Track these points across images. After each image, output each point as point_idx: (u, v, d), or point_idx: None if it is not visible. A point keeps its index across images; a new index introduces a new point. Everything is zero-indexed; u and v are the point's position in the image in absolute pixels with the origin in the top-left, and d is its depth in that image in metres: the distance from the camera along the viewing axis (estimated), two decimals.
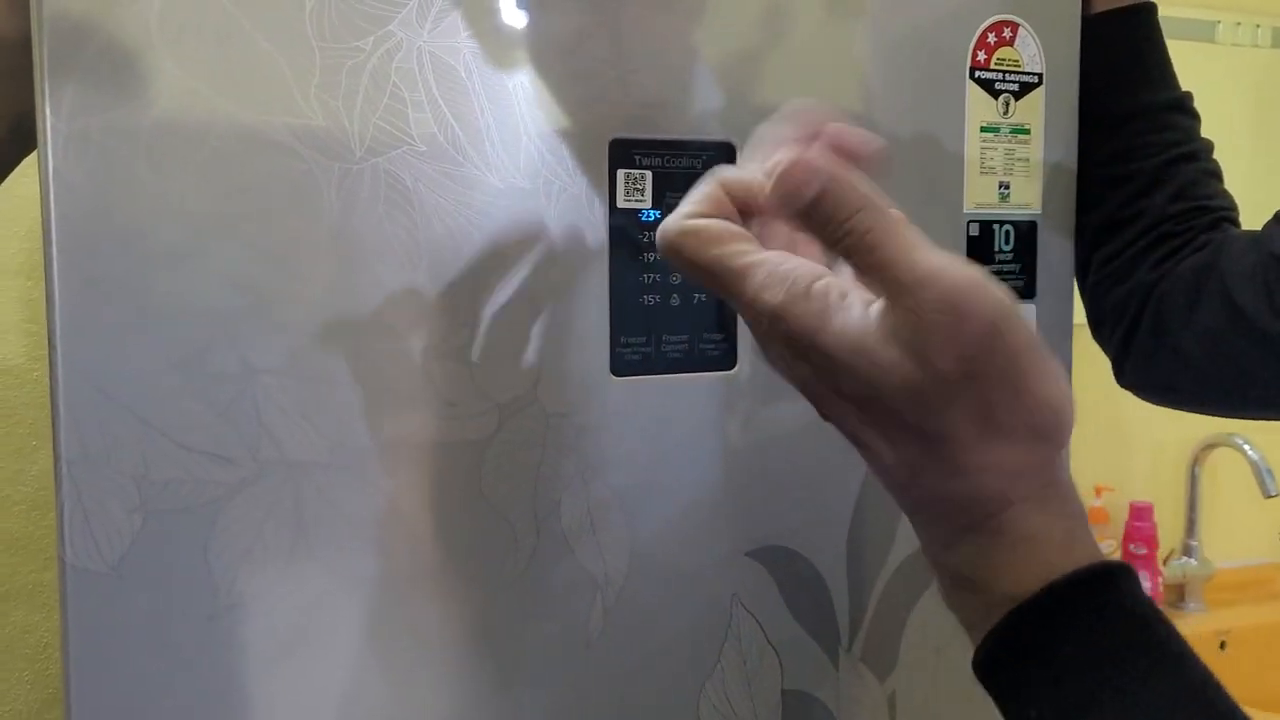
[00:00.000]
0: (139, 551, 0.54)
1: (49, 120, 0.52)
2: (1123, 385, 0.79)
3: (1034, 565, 0.39)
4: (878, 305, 0.38)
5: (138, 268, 0.54)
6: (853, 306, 0.38)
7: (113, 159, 0.53)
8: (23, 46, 0.62)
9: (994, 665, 0.40)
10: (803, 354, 0.40)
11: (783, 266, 0.40)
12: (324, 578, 0.58)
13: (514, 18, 0.60)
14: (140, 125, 0.53)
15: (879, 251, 0.38)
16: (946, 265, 0.37)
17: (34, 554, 1.10)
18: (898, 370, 0.37)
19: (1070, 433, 0.39)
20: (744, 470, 0.67)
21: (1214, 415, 0.79)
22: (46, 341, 0.54)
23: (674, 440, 0.65)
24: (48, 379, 1.07)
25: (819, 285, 0.39)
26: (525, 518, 0.62)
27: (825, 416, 0.43)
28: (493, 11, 0.59)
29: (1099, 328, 0.79)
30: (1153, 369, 0.76)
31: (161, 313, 0.54)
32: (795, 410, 0.68)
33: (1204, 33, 1.57)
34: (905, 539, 0.72)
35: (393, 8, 0.57)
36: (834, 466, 0.69)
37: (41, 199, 0.53)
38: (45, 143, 0.52)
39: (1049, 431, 0.39)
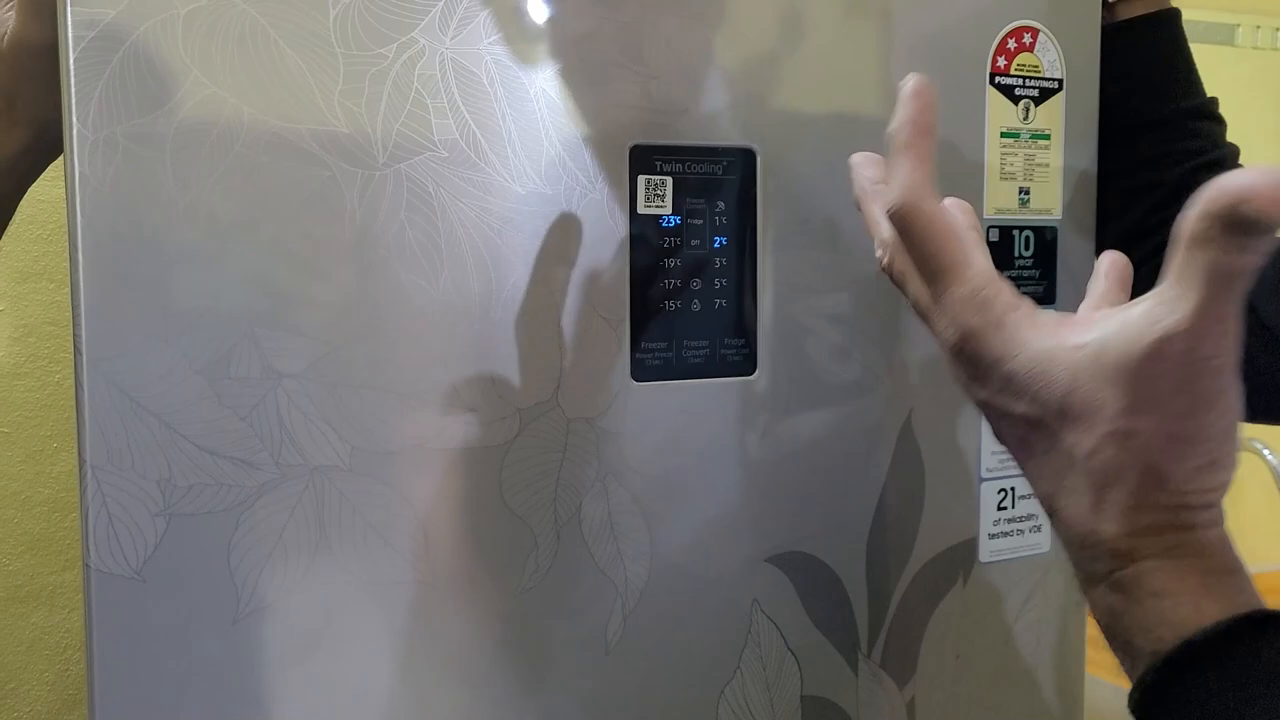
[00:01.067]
0: (162, 555, 0.55)
1: (75, 127, 0.52)
2: None
3: (1165, 621, 0.38)
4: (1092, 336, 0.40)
5: (162, 273, 0.54)
6: (1043, 327, 0.42)
7: (138, 165, 0.53)
8: (48, 52, 0.63)
9: (1144, 715, 0.39)
10: (984, 377, 0.43)
11: (985, 290, 0.43)
12: (345, 582, 0.58)
13: (536, 24, 0.60)
14: (165, 132, 0.53)
15: None
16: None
17: (55, 555, 1.11)
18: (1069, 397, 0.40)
19: (1221, 492, 0.40)
20: (764, 476, 0.67)
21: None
22: (71, 345, 0.54)
23: (694, 446, 0.65)
24: (70, 382, 1.08)
25: (1013, 317, 0.42)
26: (545, 523, 0.62)
27: (998, 437, 0.45)
28: (515, 18, 0.59)
29: None
30: None
31: (185, 318, 0.54)
32: (816, 416, 0.68)
33: (1224, 36, 1.57)
34: (925, 545, 0.72)
35: (416, 15, 0.57)
36: (855, 472, 0.69)
37: (68, 205, 0.53)
38: (71, 150, 0.52)
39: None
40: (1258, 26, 1.61)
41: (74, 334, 0.53)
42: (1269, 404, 0.73)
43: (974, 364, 0.43)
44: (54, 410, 1.10)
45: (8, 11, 0.64)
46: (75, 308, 0.53)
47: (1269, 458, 1.53)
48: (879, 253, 0.49)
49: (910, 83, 0.46)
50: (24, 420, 1.09)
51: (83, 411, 0.53)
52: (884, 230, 0.48)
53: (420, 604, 0.60)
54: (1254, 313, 0.69)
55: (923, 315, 0.46)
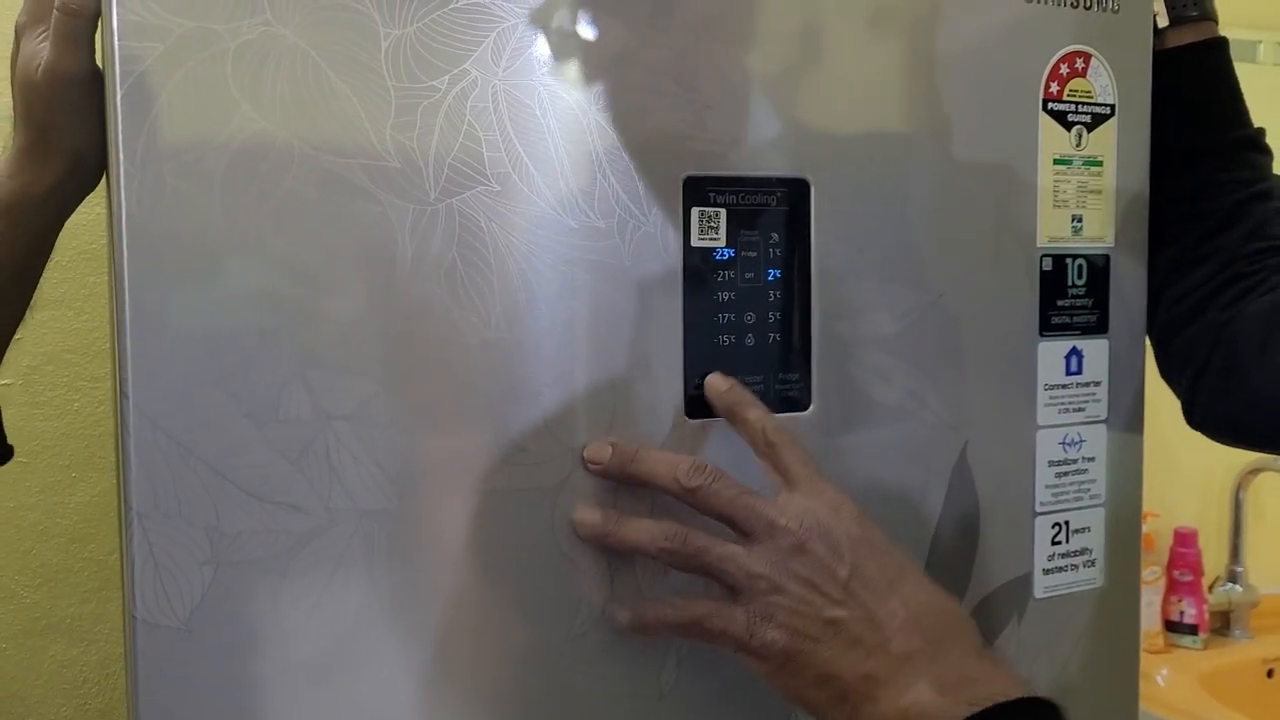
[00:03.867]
0: (210, 605, 0.53)
1: (122, 165, 0.51)
2: (1192, 425, 0.77)
3: None
4: None
5: (211, 314, 0.52)
6: None
7: (187, 204, 0.51)
8: (84, 84, 0.61)
9: None
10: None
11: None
12: (395, 629, 0.56)
13: (587, 54, 0.58)
14: (215, 169, 0.52)
15: None
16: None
17: (73, 587, 1.09)
18: None
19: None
20: None
21: None
22: (113, 385, 0.53)
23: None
24: (90, 411, 1.06)
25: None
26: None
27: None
28: (567, 48, 0.58)
29: (1168, 367, 0.78)
30: (1223, 408, 0.74)
31: (234, 359, 0.53)
32: (870, 449, 0.66)
33: (1246, 53, 1.56)
34: (981, 580, 0.70)
35: (468, 46, 0.55)
36: (910, 506, 0.68)
37: (114, 245, 0.51)
38: (119, 188, 0.51)
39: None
40: (1279, 43, 1.61)
41: (119, 378, 0.52)
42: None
43: None
44: (73, 440, 1.08)
45: (42, 43, 0.63)
46: (121, 351, 0.51)
47: None
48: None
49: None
50: (42, 450, 1.07)
51: (128, 458, 0.52)
52: None
53: (471, 650, 0.58)
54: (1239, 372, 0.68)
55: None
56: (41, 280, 0.68)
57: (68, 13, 0.60)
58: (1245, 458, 1.59)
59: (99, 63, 0.61)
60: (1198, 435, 0.79)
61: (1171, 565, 1.58)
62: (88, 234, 1.04)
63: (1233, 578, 1.62)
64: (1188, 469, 1.66)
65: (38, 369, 1.06)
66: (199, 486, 0.52)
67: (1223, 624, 1.62)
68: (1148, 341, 0.78)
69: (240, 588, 0.53)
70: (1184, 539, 1.57)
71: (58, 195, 0.64)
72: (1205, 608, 1.57)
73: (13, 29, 0.63)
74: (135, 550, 0.52)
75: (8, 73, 0.65)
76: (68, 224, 0.67)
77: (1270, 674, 1.55)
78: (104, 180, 0.63)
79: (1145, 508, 1.60)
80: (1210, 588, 1.61)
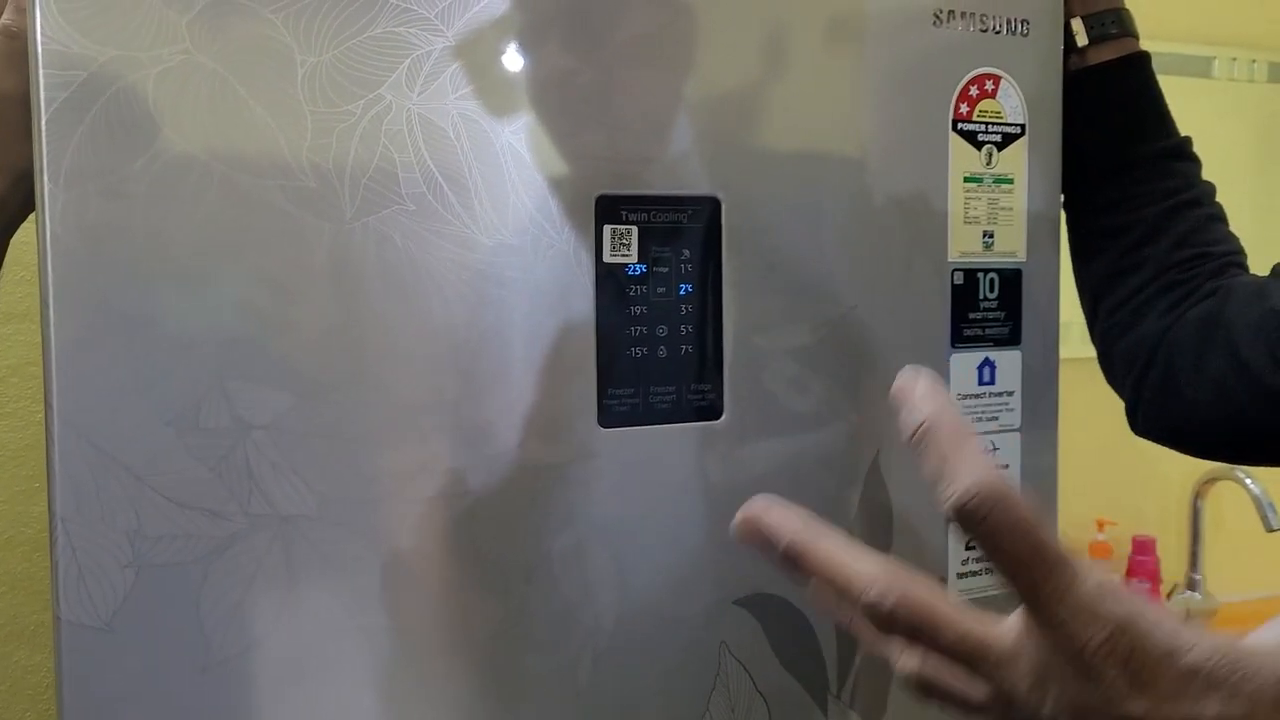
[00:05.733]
0: (132, 606, 0.55)
1: (47, 186, 0.53)
2: (1136, 431, 0.80)
3: None
4: None
5: (133, 327, 0.55)
6: None
7: (110, 222, 0.54)
8: (23, 103, 0.64)
9: None
10: (1150, 678, 0.35)
11: (1110, 578, 0.37)
12: (315, 630, 0.59)
13: (502, 77, 0.61)
14: (138, 190, 0.54)
15: None
16: None
17: (36, 595, 1.11)
18: None
19: None
20: (732, 518, 0.67)
21: (1222, 462, 0.79)
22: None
23: (663, 490, 0.65)
24: None
25: (1153, 605, 0.37)
26: (516, 568, 0.63)
27: None
28: (481, 72, 0.60)
29: (1111, 374, 0.80)
30: (1163, 416, 0.77)
31: (155, 371, 0.55)
32: (783, 458, 0.69)
33: (1200, 69, 1.59)
34: None
35: (383, 72, 0.58)
36: (822, 513, 0.69)
37: (40, 262, 0.54)
38: (44, 207, 0.53)
39: None
40: (1234, 59, 1.63)
41: (45, 386, 0.54)
42: (1259, 450, 0.73)
43: (1133, 664, 0.35)
44: (36, 450, 1.10)
45: None
46: (46, 362, 0.54)
47: (1251, 487, 1.54)
48: (873, 595, 0.40)
49: (919, 384, 0.40)
50: (6, 460, 1.09)
51: (53, 464, 0.54)
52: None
53: (392, 651, 0.60)
54: (1239, 356, 0.70)
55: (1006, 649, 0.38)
56: (6, 295, 0.70)
57: (8, 35, 0.63)
58: (1203, 466, 1.62)
59: None
60: (1155, 445, 0.81)
61: (1130, 573, 1.60)
62: None
63: (1191, 585, 1.65)
64: (1146, 477, 1.68)
65: (2, 380, 1.08)
66: (121, 492, 0.55)
67: None
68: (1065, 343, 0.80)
69: (161, 590, 0.56)
70: (1142, 547, 1.60)
71: (1, 215, 0.67)
72: None
73: None
74: (60, 553, 0.54)
75: None
76: (33, 240, 0.69)
77: None
78: None
79: (1103, 515, 1.63)
80: (1168, 595, 1.63)
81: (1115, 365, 0.80)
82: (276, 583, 0.58)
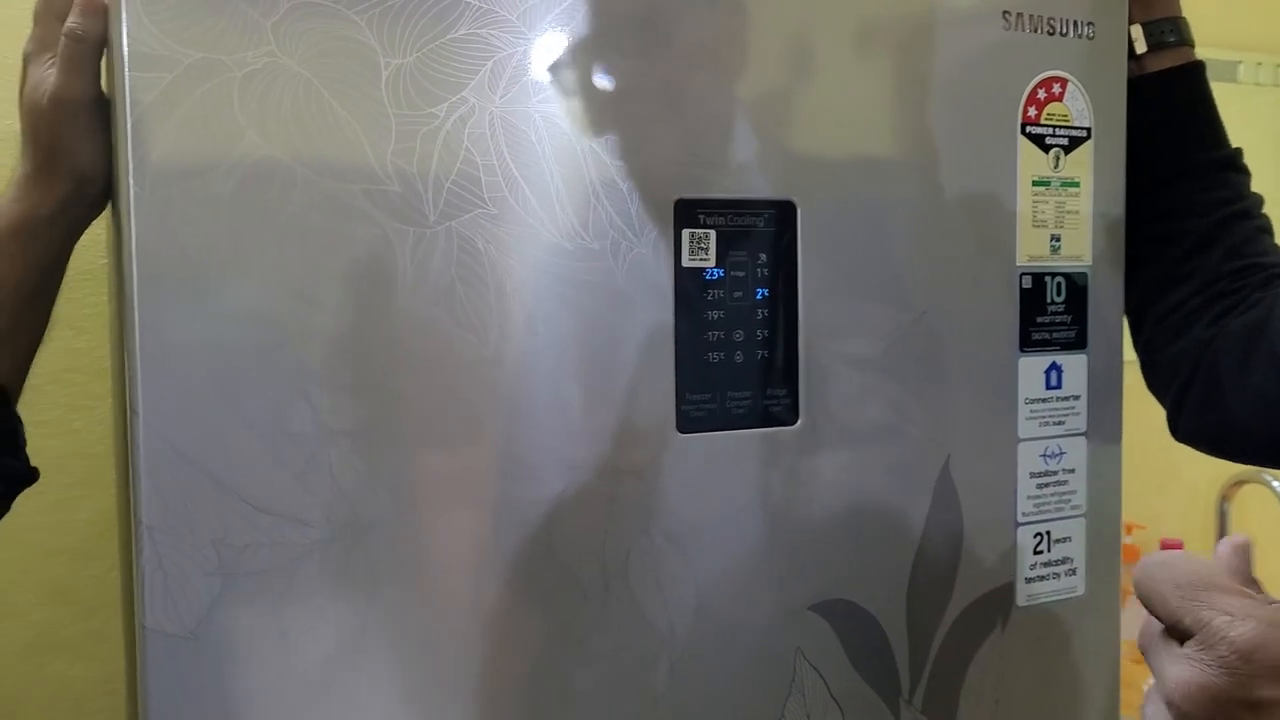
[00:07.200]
0: (216, 615, 0.55)
1: (132, 191, 0.53)
2: (1177, 438, 0.79)
3: None
4: None
5: (217, 333, 0.54)
6: None
7: (194, 227, 0.53)
8: (89, 108, 0.64)
9: None
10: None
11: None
12: (395, 637, 0.58)
13: (582, 84, 0.61)
14: (222, 194, 0.54)
15: None
16: None
17: (77, 604, 1.10)
18: None
19: None
20: (807, 523, 0.67)
21: (1265, 468, 0.79)
22: (115, 404, 0.54)
23: (739, 495, 0.65)
24: (91, 430, 1.07)
25: None
26: (593, 574, 0.62)
27: None
28: (561, 76, 0.60)
29: (1155, 381, 0.80)
30: (1207, 423, 0.76)
31: (240, 377, 0.55)
32: (856, 463, 0.68)
33: (1226, 73, 1.59)
34: (964, 589, 0.72)
35: (466, 75, 0.58)
36: (895, 518, 0.70)
37: (123, 267, 0.53)
38: (129, 212, 0.53)
39: None
40: (1259, 63, 1.64)
41: (129, 395, 0.54)
42: None
43: None
44: (75, 458, 1.09)
45: (49, 69, 0.65)
46: (130, 368, 0.53)
47: (1278, 488, 1.54)
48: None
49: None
50: (44, 468, 1.07)
51: (138, 471, 0.53)
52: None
53: (472, 657, 0.60)
54: (1221, 390, 0.70)
55: None
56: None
57: (74, 39, 0.63)
58: (1230, 470, 1.61)
59: (105, 89, 0.64)
60: (1183, 448, 0.81)
61: None
62: (88, 254, 1.05)
63: None
64: (1173, 482, 1.68)
65: (40, 388, 1.07)
66: (206, 500, 0.54)
67: None
68: (1126, 356, 0.80)
69: (246, 598, 0.55)
70: (1170, 550, 1.59)
71: (65, 217, 0.66)
72: None
73: (20, 58, 0.65)
74: (145, 562, 0.53)
75: (14, 96, 0.67)
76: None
77: None
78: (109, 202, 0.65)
79: (1132, 520, 1.62)
80: None
81: (1160, 372, 0.79)
82: (360, 589, 0.57)
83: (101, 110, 0.64)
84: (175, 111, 0.53)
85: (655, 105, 0.62)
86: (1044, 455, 0.75)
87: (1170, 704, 0.41)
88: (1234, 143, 0.81)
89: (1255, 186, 0.83)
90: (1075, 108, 0.74)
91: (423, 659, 0.59)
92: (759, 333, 0.65)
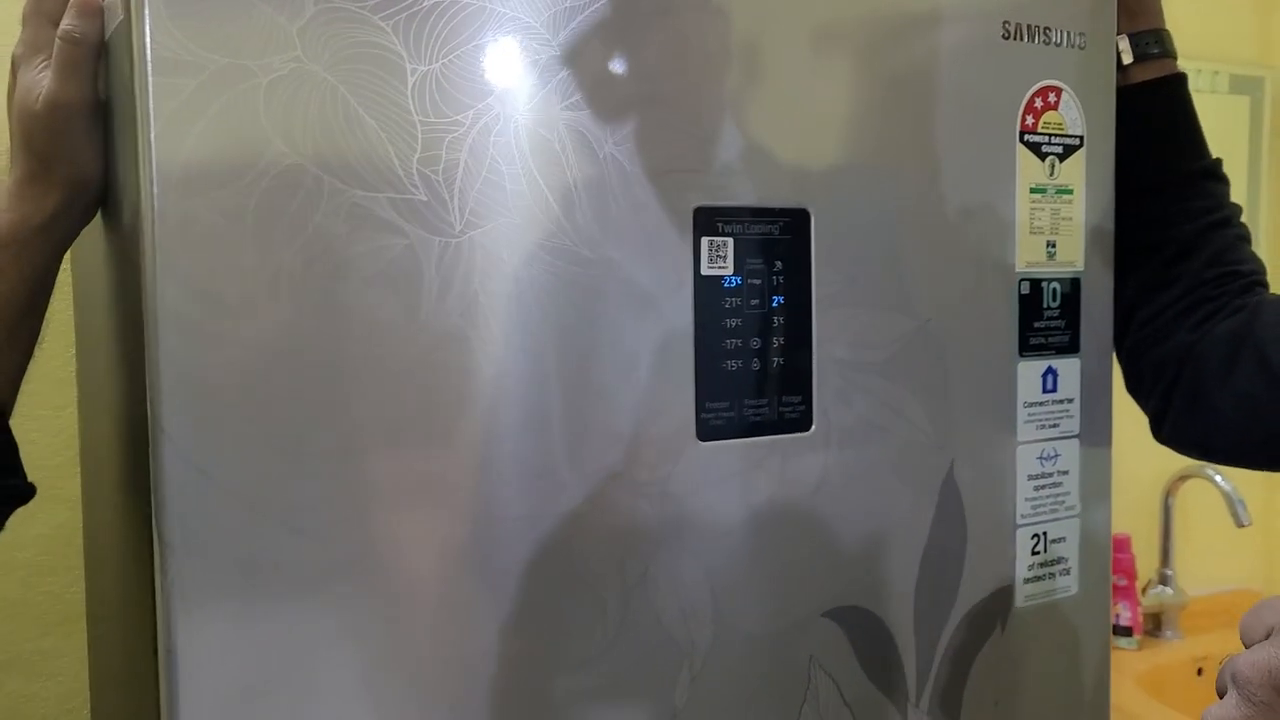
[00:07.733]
0: (241, 635, 0.53)
1: (155, 201, 0.51)
2: (1160, 441, 0.81)
3: None
4: None
5: (241, 344, 0.53)
6: None
7: (219, 239, 0.52)
8: (84, 113, 0.62)
9: None
10: None
11: None
12: (422, 655, 0.57)
13: (604, 92, 0.60)
14: (247, 204, 0.52)
15: None
16: None
17: (32, 621, 1.06)
18: None
19: None
20: (820, 530, 0.68)
21: (1250, 469, 0.82)
22: (85, 414, 0.52)
23: (755, 503, 0.65)
24: (51, 441, 1.03)
25: None
26: (614, 588, 0.61)
27: None
28: (585, 84, 0.59)
29: (1138, 386, 0.82)
30: (1191, 427, 0.78)
31: (264, 390, 0.53)
32: (866, 469, 0.69)
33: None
34: (968, 593, 0.73)
35: (492, 81, 0.57)
36: (902, 524, 0.70)
37: (145, 281, 0.52)
38: (152, 223, 0.51)
39: None
40: (1198, 70, 1.68)
41: (151, 411, 0.52)
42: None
43: None
44: (31, 471, 1.04)
45: (42, 72, 0.62)
46: (153, 383, 0.52)
47: (1221, 484, 1.59)
48: None
49: None
50: None
51: (161, 491, 0.52)
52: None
53: (493, 670, 0.59)
54: (1269, 367, 0.72)
55: None
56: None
57: (71, 42, 0.60)
58: (1174, 466, 1.66)
59: (100, 93, 0.61)
60: (1128, 444, 0.83)
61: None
62: None
63: (1163, 580, 1.69)
64: (1119, 477, 1.72)
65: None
66: (230, 519, 0.52)
67: (1155, 625, 1.68)
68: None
69: (270, 617, 0.54)
70: (1119, 544, 1.64)
71: (57, 226, 0.64)
72: (1139, 610, 1.63)
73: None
74: (170, 583, 0.52)
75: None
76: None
77: (1200, 672, 1.62)
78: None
79: None
80: (1143, 591, 1.67)
81: (1144, 376, 0.81)
82: (386, 610, 0.56)
83: (97, 115, 0.62)
84: (199, 119, 0.51)
85: (676, 113, 0.62)
86: (1040, 458, 0.76)
87: (1236, 675, 0.46)
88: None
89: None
90: (1069, 116, 0.76)
91: (443, 676, 0.58)
92: (775, 340, 0.65)
